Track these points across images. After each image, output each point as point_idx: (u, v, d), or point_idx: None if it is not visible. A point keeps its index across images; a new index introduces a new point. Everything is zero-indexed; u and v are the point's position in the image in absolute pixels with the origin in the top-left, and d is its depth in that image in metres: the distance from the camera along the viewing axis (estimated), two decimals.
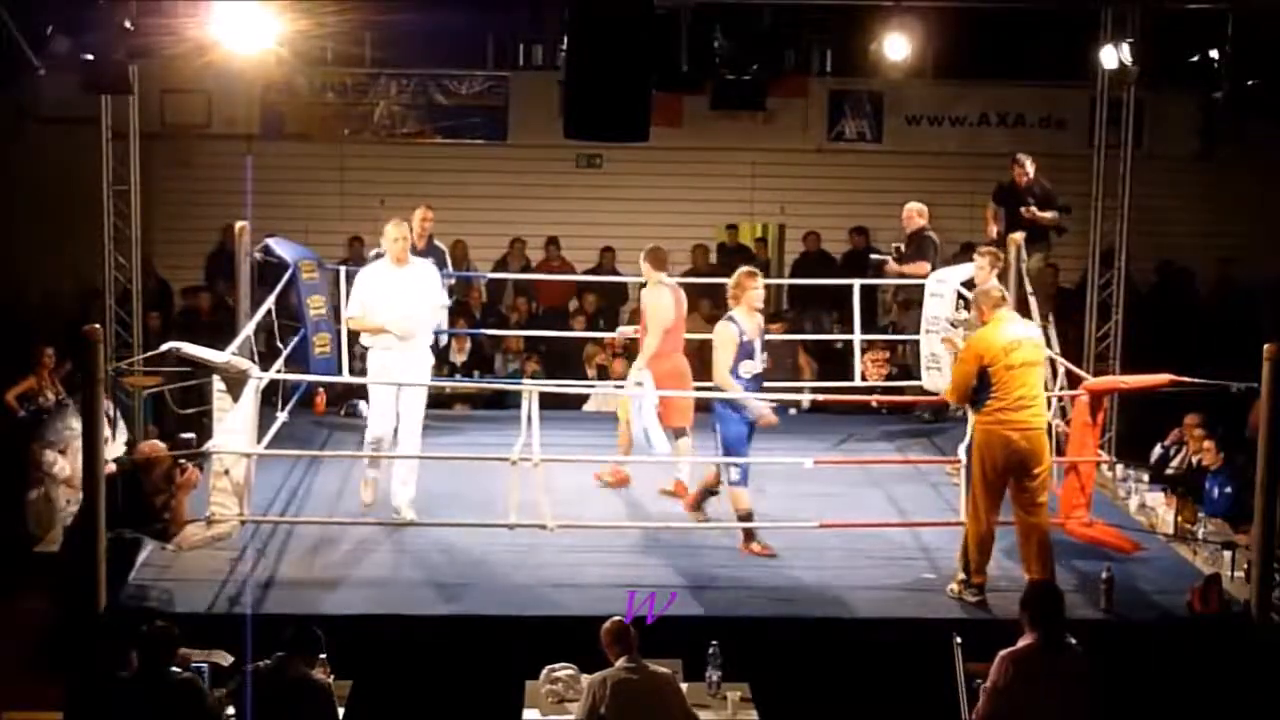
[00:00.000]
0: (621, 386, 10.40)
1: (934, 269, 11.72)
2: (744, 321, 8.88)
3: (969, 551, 8.23)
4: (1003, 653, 6.33)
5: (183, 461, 8.48)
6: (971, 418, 10.09)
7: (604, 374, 12.97)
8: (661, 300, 9.67)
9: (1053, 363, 9.23)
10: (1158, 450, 11.31)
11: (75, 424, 9.65)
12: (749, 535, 8.97)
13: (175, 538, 8.30)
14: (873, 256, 13.04)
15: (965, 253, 14.18)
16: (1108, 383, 9.94)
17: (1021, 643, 6.32)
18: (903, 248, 12.16)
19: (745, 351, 8.83)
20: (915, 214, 12.17)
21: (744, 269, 9.16)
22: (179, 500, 8.28)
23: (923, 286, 11.47)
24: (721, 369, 8.81)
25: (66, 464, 10.35)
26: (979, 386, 8.15)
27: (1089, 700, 6.33)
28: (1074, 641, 6.34)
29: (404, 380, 9.27)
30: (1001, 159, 12.45)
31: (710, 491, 9.28)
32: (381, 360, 9.41)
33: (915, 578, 8.61)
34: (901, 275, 12.13)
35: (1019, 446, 8.05)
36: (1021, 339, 8.16)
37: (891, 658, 7.81)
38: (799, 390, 12.31)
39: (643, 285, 9.87)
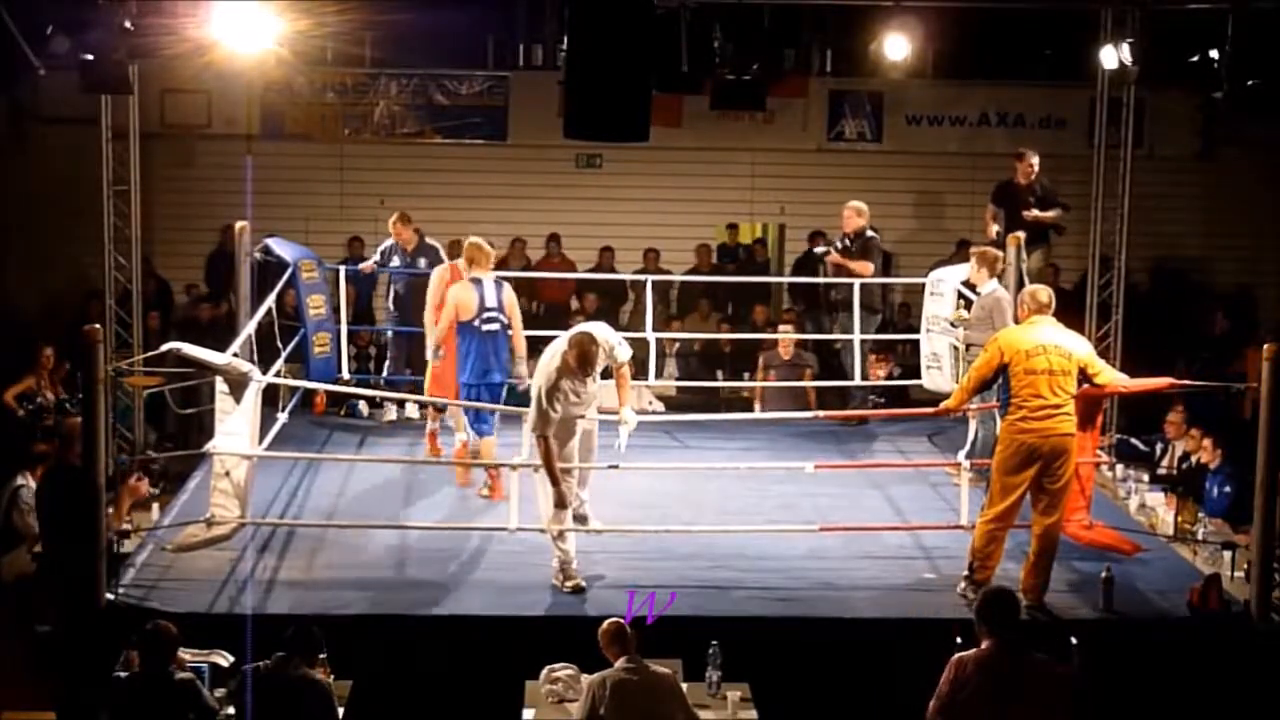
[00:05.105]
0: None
1: (877, 270, 11.72)
2: None
3: (974, 545, 8.22)
4: (957, 656, 6.13)
5: (139, 474, 8.86)
6: (972, 423, 10.18)
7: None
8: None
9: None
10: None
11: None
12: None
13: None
14: (816, 250, 12.75)
15: (961, 251, 14.21)
16: None
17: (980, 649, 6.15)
18: (848, 242, 11.91)
19: None
20: (855, 214, 11.85)
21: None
22: (120, 497, 8.52)
23: (858, 287, 11.61)
24: None
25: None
26: (1001, 388, 8.12)
27: (1064, 708, 6.16)
28: (1037, 653, 6.15)
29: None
30: (1001, 159, 12.43)
31: None
32: None
33: (915, 578, 8.60)
34: (842, 268, 11.86)
35: (1042, 451, 7.97)
36: (1049, 345, 8.02)
37: (891, 658, 7.81)
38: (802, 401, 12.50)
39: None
